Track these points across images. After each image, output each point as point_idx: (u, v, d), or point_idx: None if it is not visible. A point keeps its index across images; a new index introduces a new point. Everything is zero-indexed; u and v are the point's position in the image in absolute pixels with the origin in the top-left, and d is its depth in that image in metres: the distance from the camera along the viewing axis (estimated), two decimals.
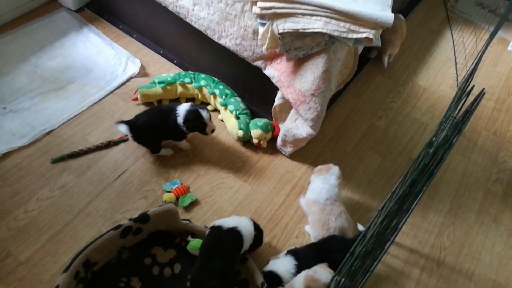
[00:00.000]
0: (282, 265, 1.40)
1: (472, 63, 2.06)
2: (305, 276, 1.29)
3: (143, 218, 1.38)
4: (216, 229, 1.38)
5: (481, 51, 1.68)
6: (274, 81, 1.62)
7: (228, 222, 1.39)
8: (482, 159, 2.02)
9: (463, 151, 2.04)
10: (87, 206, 1.58)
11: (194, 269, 1.33)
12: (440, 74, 2.37)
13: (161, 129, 1.68)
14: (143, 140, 1.71)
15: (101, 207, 1.58)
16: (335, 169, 1.61)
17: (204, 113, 1.63)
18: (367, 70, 2.31)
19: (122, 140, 1.78)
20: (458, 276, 1.63)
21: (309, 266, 1.34)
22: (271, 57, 1.62)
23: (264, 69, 1.66)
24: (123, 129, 1.64)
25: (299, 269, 1.38)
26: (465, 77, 1.65)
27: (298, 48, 1.47)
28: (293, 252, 1.43)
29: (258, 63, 1.66)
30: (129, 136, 1.70)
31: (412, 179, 1.11)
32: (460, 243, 1.72)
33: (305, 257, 1.43)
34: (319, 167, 1.65)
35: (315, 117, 1.55)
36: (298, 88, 1.53)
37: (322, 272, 1.28)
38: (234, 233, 1.36)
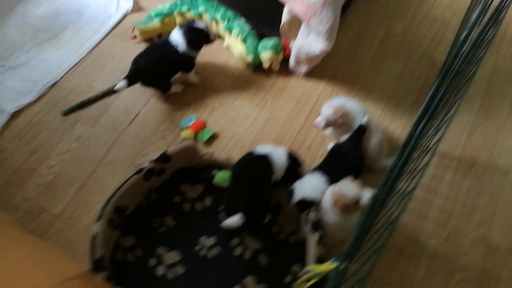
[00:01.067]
0: (312, 186, 1.37)
1: None
2: (332, 193, 1.25)
3: (164, 158, 1.34)
4: (248, 156, 1.37)
5: None
6: None
7: (260, 149, 1.38)
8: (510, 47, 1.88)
9: (491, 45, 1.89)
10: (106, 154, 1.55)
11: (226, 194, 1.35)
12: None
13: (167, 66, 1.59)
14: (152, 82, 1.63)
15: (120, 154, 1.55)
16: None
17: (200, 24, 1.57)
18: None
19: None
20: (492, 174, 1.59)
21: (334, 179, 1.31)
22: None
23: None
24: (125, 84, 1.54)
25: (330, 183, 1.34)
26: None
27: None
28: (320, 168, 1.39)
29: None
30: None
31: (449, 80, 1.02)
32: (492, 141, 1.65)
33: (329, 169, 1.39)
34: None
35: (329, 29, 1.42)
36: (306, 0, 1.39)
37: (348, 186, 1.24)
38: (264, 160, 1.34)
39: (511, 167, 1.60)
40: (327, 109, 1.44)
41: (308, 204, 1.34)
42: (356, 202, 1.22)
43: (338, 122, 1.42)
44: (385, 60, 1.83)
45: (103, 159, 1.54)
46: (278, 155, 1.37)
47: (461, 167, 1.60)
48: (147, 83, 1.61)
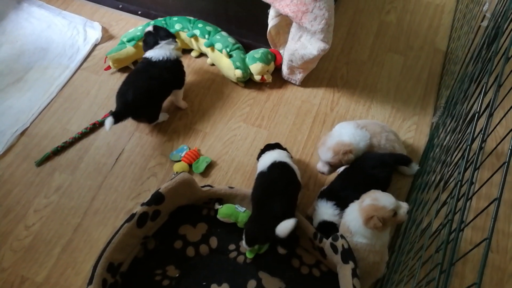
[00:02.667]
0: (324, 212, 1.20)
1: None
2: (363, 208, 1.08)
3: (157, 198, 1.15)
4: (261, 174, 1.22)
5: None
6: None
7: (266, 161, 1.24)
8: None
9: None
10: (92, 202, 1.36)
11: (248, 221, 1.18)
12: None
13: (159, 87, 1.42)
14: (143, 113, 1.43)
15: (108, 200, 1.36)
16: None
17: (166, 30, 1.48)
18: None
19: None
20: None
21: (347, 198, 1.16)
22: None
23: None
24: (112, 121, 1.31)
25: (340, 206, 1.18)
26: None
27: None
28: (324, 193, 1.23)
29: None
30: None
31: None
32: None
33: (338, 190, 1.23)
34: None
35: (324, 27, 1.26)
36: None
37: (384, 197, 1.07)
38: (280, 167, 1.21)
39: None
40: (326, 153, 1.25)
41: (330, 226, 1.17)
42: (394, 214, 1.06)
43: (344, 160, 1.24)
44: (384, 55, 1.68)
45: (89, 209, 1.34)
46: (285, 157, 1.26)
47: (488, 160, 1.43)
48: (137, 115, 1.43)
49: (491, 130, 0.79)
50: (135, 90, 1.36)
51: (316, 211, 1.22)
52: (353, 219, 1.10)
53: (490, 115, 0.78)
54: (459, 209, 0.76)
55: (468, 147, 0.83)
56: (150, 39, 1.43)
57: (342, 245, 1.07)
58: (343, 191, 1.21)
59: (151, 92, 1.39)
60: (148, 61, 1.42)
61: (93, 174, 1.41)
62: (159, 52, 1.41)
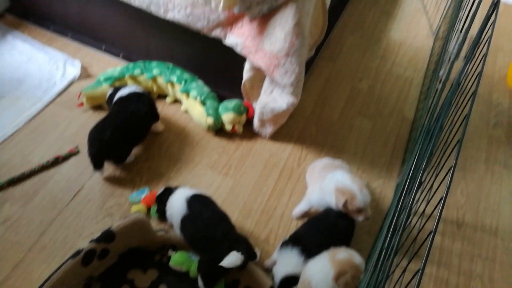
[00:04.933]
0: (288, 263, 1.16)
1: (446, 8, 1.89)
2: (338, 260, 1.04)
3: (107, 236, 1.10)
4: (186, 219, 1.19)
5: None
6: (238, 49, 1.38)
7: (179, 204, 1.21)
8: (476, 104, 1.85)
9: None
10: (40, 238, 1.28)
11: (199, 263, 1.14)
12: (412, 26, 2.20)
13: (142, 120, 1.45)
14: (119, 152, 1.43)
15: (58, 236, 1.29)
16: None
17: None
18: (336, 34, 2.10)
19: (73, 154, 1.49)
20: (482, 234, 1.44)
21: (312, 245, 1.14)
22: (230, 22, 1.37)
23: (225, 38, 1.41)
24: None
25: (305, 253, 1.14)
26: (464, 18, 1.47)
27: (261, 1, 1.23)
28: (288, 241, 1.20)
29: (216, 33, 1.41)
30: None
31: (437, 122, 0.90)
32: (475, 198, 1.53)
33: (304, 236, 1.21)
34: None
35: (294, 81, 1.31)
36: (268, 50, 1.29)
37: (358, 257, 1.05)
38: (196, 200, 1.22)
39: (499, 225, 1.47)
40: (338, 198, 1.23)
41: (294, 282, 1.13)
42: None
43: (349, 208, 1.23)
44: (354, 118, 1.73)
45: (35, 245, 1.27)
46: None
47: (449, 228, 1.44)
48: (113, 155, 1.42)
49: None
50: (116, 128, 1.38)
51: (278, 263, 1.18)
52: (319, 272, 1.05)
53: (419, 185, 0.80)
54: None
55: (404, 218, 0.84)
56: (113, 93, 1.50)
57: None
58: (308, 238, 1.19)
59: (130, 131, 1.41)
60: (121, 99, 1.44)
61: (46, 209, 1.35)
62: (128, 89, 1.45)
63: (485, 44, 1.04)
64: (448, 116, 1.05)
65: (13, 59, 1.76)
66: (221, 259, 1.05)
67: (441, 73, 1.53)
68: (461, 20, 1.51)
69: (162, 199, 1.26)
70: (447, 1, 2.07)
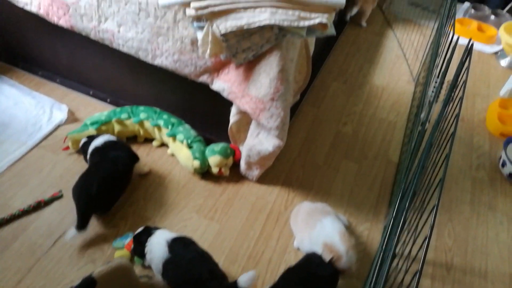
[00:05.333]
0: None
1: (426, 55, 1.98)
2: None
3: (88, 283, 1.05)
4: (168, 263, 1.17)
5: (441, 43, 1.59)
6: (225, 94, 1.41)
7: (160, 248, 1.20)
8: (459, 147, 1.89)
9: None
10: (16, 286, 1.23)
11: None
12: (394, 72, 2.28)
13: (122, 170, 1.44)
14: (108, 203, 1.42)
15: (36, 284, 1.24)
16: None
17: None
18: (320, 80, 2.17)
19: (56, 198, 1.47)
20: (472, 277, 1.43)
21: None
22: (216, 68, 1.41)
23: (211, 84, 1.45)
24: (75, 233, 1.31)
25: None
26: (440, 66, 1.54)
27: (246, 49, 1.28)
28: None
29: (203, 78, 1.45)
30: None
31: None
32: (463, 240, 1.53)
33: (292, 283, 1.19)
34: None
35: (279, 124, 1.33)
36: (254, 95, 1.32)
37: None
38: (178, 243, 1.21)
39: (489, 268, 1.46)
40: (324, 251, 1.24)
41: None
42: None
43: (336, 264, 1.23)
44: (340, 161, 1.75)
45: None
46: None
47: (438, 271, 1.43)
48: (102, 207, 1.41)
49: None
50: (104, 177, 1.37)
51: None
52: None
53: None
54: None
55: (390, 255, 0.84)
56: (87, 142, 1.51)
57: None
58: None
59: (117, 178, 1.40)
60: (97, 149, 1.45)
61: (25, 255, 1.30)
62: (101, 138, 1.48)
63: (461, 88, 1.08)
64: (430, 157, 1.07)
65: None
66: None
67: (422, 116, 1.57)
68: (437, 66, 1.58)
69: (140, 240, 1.24)
70: (425, 49, 2.18)
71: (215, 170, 1.56)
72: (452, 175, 1.76)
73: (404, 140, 1.85)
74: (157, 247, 1.19)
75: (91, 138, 1.52)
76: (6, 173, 1.52)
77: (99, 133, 1.57)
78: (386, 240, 1.14)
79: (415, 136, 1.42)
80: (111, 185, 1.39)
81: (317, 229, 1.29)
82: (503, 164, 1.77)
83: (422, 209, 1.02)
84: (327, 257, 1.21)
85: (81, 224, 1.31)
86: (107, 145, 1.48)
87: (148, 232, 1.25)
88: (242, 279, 1.10)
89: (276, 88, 1.29)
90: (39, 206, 1.44)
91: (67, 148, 1.62)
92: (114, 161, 1.42)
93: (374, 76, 2.24)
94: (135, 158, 1.52)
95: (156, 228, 1.27)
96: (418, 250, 0.82)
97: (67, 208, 1.44)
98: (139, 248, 1.24)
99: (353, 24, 2.64)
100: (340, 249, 1.22)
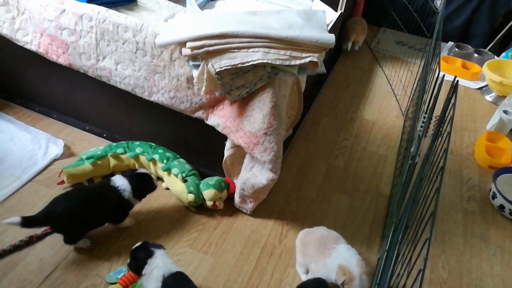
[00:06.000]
0: None
1: (415, 91, 2.05)
2: None
3: None
4: None
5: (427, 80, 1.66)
6: (219, 129, 1.44)
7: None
8: (449, 180, 1.92)
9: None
10: None
11: None
12: (383, 107, 2.35)
13: (95, 215, 1.41)
14: (65, 229, 1.39)
15: None
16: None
17: (147, 172, 1.52)
18: (311, 115, 2.22)
19: (48, 233, 1.46)
20: None
21: None
22: (211, 105, 1.45)
23: (207, 119, 1.48)
24: (18, 221, 1.29)
25: None
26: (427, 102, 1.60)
27: (240, 86, 1.32)
28: None
29: (199, 114, 1.49)
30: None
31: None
32: (457, 272, 1.53)
33: None
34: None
35: (273, 158, 1.36)
36: (248, 130, 1.36)
37: None
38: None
39: None
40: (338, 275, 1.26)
41: None
42: None
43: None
44: (332, 194, 1.77)
45: None
46: None
47: None
48: (58, 228, 1.38)
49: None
50: (69, 206, 1.36)
51: None
52: None
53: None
54: None
55: None
56: (139, 182, 1.48)
57: None
58: None
59: (80, 216, 1.38)
60: (108, 185, 1.44)
61: None
62: (127, 188, 1.44)
63: (448, 123, 1.12)
64: (421, 190, 1.09)
65: None
66: None
67: (412, 150, 1.61)
68: (425, 102, 1.63)
69: (137, 256, 1.22)
70: (413, 85, 2.25)
71: (209, 203, 1.57)
72: (444, 208, 1.78)
73: (395, 173, 1.88)
74: (152, 279, 1.18)
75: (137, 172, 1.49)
76: None
77: None
78: (380, 272, 1.15)
79: (406, 170, 1.46)
80: (85, 211, 1.37)
81: (333, 256, 1.31)
82: (493, 196, 1.80)
83: (415, 242, 1.04)
84: (340, 279, 1.23)
85: (23, 223, 1.29)
86: (136, 175, 1.48)
87: (147, 249, 1.23)
88: None
89: (269, 123, 1.33)
90: (31, 241, 1.43)
91: (62, 182, 1.62)
92: (114, 197, 1.42)
93: (364, 111, 2.31)
94: (123, 213, 1.49)
95: (156, 246, 1.25)
96: (413, 283, 0.83)
97: (59, 243, 1.43)
98: (134, 265, 1.22)
99: (343, 61, 2.74)
100: (354, 272, 1.25)
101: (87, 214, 1.38)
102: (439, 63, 1.49)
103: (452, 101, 1.19)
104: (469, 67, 2.71)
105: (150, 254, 1.22)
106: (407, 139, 1.79)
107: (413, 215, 1.07)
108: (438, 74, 1.51)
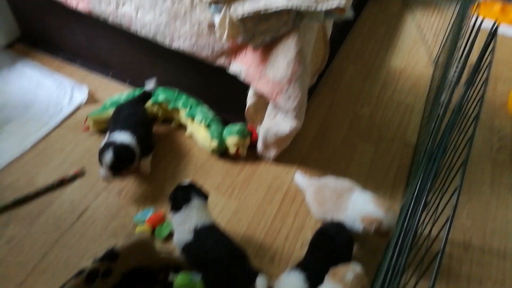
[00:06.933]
0: (293, 284, 1.15)
1: (446, 38, 1.95)
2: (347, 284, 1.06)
3: (111, 255, 1.09)
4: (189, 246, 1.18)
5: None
6: (242, 77, 1.42)
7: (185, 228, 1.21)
8: (480, 129, 1.86)
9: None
10: (42, 259, 1.27)
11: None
12: (412, 55, 2.26)
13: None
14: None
15: (61, 257, 1.28)
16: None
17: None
18: (337, 63, 2.15)
19: (78, 176, 1.51)
20: (490, 257, 1.42)
21: (319, 272, 1.14)
22: (234, 51, 1.42)
23: (229, 66, 1.45)
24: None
25: (310, 281, 1.14)
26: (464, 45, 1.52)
27: (263, 32, 1.28)
28: (297, 267, 1.19)
29: (221, 61, 1.46)
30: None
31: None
32: (482, 220, 1.52)
33: (311, 264, 1.21)
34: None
35: (297, 106, 1.34)
36: (271, 77, 1.33)
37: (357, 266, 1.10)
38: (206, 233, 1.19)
39: (508, 248, 1.45)
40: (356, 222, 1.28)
41: None
42: None
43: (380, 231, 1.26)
44: (356, 143, 1.75)
45: (38, 265, 1.25)
46: None
47: (456, 251, 1.42)
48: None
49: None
50: (143, 119, 1.54)
51: (283, 285, 1.16)
52: None
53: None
54: None
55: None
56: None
57: None
58: (313, 265, 1.19)
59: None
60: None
61: (50, 230, 1.35)
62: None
63: (485, 70, 1.07)
64: (451, 139, 1.06)
65: (21, 85, 1.81)
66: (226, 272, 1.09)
67: (442, 98, 1.55)
68: (459, 49, 1.55)
69: (177, 196, 1.24)
70: (445, 32, 2.14)
71: (232, 150, 1.58)
72: (472, 157, 1.74)
73: (422, 123, 1.83)
74: (184, 231, 1.19)
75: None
76: (29, 153, 1.57)
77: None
78: (407, 217, 1.14)
79: (435, 118, 1.41)
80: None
81: (350, 208, 1.30)
82: None
83: (443, 190, 1.02)
84: (370, 230, 1.24)
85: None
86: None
87: (187, 194, 1.23)
88: (260, 280, 1.09)
89: (294, 70, 1.29)
90: (62, 183, 1.48)
91: (88, 128, 1.65)
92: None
93: (392, 59, 2.22)
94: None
95: (197, 194, 1.25)
96: (440, 230, 0.82)
97: (89, 185, 1.48)
98: (172, 202, 1.25)
99: (371, 6, 2.61)
100: (378, 215, 1.25)
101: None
102: (477, 7, 1.39)
103: (491, 46, 1.12)
104: (508, 11, 2.54)
105: (187, 200, 1.22)
106: (437, 88, 1.73)
107: (442, 164, 1.04)
108: (476, 19, 1.42)
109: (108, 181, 1.44)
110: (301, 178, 1.52)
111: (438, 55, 2.15)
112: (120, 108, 1.55)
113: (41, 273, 1.24)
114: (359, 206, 1.29)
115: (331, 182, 1.41)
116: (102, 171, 1.38)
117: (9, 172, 1.49)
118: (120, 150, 1.37)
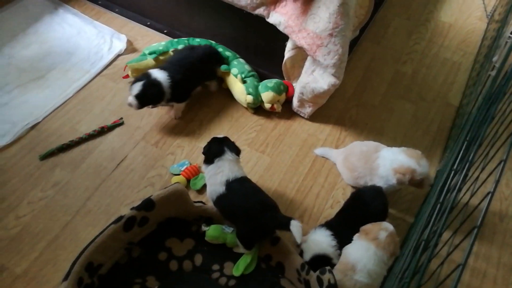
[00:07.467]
0: (320, 242, 1.18)
1: None
2: (380, 242, 1.09)
3: (147, 204, 1.15)
4: (221, 197, 1.20)
5: None
6: (281, 28, 1.37)
7: (218, 179, 1.22)
8: None
9: None
10: (85, 203, 1.36)
11: (238, 230, 1.19)
12: (464, 7, 2.09)
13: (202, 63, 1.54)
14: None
15: (102, 202, 1.36)
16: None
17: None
18: (381, 14, 2.03)
19: (117, 125, 1.56)
20: None
21: (346, 234, 1.16)
22: (274, 1, 1.36)
23: (268, 17, 1.41)
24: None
25: (338, 238, 1.17)
26: None
27: None
28: (325, 225, 1.22)
29: (260, 11, 1.41)
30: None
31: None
32: None
33: (340, 224, 1.22)
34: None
35: (337, 62, 1.29)
36: (312, 30, 1.28)
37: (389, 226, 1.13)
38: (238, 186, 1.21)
39: None
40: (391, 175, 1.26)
41: (322, 262, 1.14)
42: None
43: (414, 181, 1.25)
44: (396, 102, 1.69)
45: (82, 209, 1.34)
46: None
47: (490, 219, 1.40)
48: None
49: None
50: (189, 63, 1.52)
51: (310, 241, 1.19)
52: (364, 257, 1.08)
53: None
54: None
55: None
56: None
57: (329, 280, 1.04)
58: (343, 226, 1.20)
59: (197, 70, 1.54)
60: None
61: (92, 176, 1.42)
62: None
63: None
64: (500, 105, 1.00)
65: (63, 31, 1.84)
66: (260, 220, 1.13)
67: (494, 58, 1.45)
68: None
69: (210, 149, 1.26)
70: None
71: (267, 105, 1.57)
72: None
73: (469, 83, 1.74)
74: (216, 183, 1.21)
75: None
76: (72, 100, 1.62)
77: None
78: (448, 181, 1.12)
79: (484, 81, 1.33)
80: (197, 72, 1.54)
81: (381, 165, 1.28)
82: None
83: (485, 160, 0.98)
84: (405, 181, 1.22)
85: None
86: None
87: (220, 147, 1.25)
88: (295, 224, 1.10)
89: (336, 23, 1.23)
90: (102, 131, 1.54)
91: (127, 76, 1.68)
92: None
93: (441, 11, 2.07)
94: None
95: (230, 148, 1.26)
96: (481, 201, 0.79)
97: (127, 134, 1.53)
98: (206, 153, 1.27)
99: None
100: (411, 165, 1.22)
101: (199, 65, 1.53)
102: None
103: None
104: None
105: (220, 154, 1.24)
106: (490, 46, 1.61)
107: (487, 132, 0.99)
108: None
109: (133, 108, 1.46)
110: (323, 151, 1.50)
111: (494, 8, 1.98)
112: (184, 49, 1.58)
113: (84, 216, 1.33)
114: (390, 160, 1.27)
115: (356, 147, 1.38)
116: (130, 98, 1.43)
117: (53, 119, 1.56)
118: (148, 85, 1.41)
